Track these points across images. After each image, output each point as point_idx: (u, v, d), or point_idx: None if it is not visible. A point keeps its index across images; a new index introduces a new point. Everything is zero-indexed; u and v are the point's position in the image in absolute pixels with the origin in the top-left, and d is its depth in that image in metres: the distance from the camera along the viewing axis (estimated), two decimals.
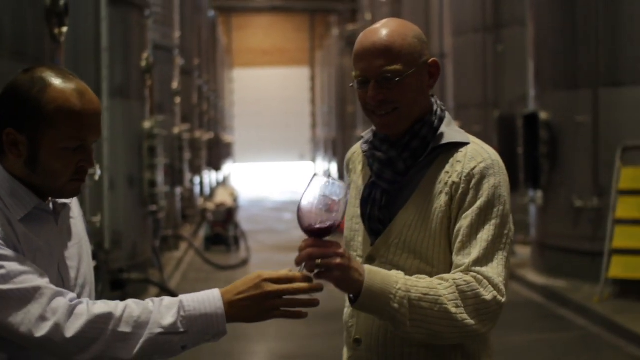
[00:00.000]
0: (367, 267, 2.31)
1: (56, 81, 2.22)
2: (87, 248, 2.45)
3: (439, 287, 2.32)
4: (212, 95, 27.91)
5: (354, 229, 2.59)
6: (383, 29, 2.46)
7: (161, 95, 13.42)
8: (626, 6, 9.85)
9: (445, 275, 2.35)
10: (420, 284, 2.32)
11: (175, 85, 14.54)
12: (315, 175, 2.30)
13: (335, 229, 2.26)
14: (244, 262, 13.80)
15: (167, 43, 14.02)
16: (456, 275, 2.34)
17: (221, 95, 35.48)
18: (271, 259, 14.59)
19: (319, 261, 2.23)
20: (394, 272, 2.33)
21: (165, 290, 9.95)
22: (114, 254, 8.89)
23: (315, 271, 2.23)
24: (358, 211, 2.57)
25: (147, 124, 10.02)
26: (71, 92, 2.22)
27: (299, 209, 2.26)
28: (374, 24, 2.51)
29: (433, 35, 17.22)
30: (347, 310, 2.60)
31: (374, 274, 2.30)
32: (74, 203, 2.44)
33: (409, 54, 2.43)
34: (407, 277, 2.33)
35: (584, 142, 10.21)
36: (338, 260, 2.24)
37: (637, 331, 8.05)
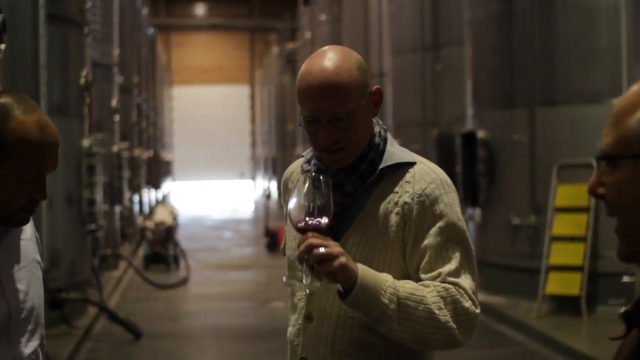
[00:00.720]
0: (358, 264, 2.33)
1: (18, 111, 2.21)
2: (37, 272, 2.41)
3: (423, 289, 2.35)
4: (151, 113, 27.76)
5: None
6: (328, 64, 2.41)
7: (100, 113, 13.32)
8: (561, 27, 10.04)
9: (426, 282, 2.39)
10: (406, 284, 2.36)
11: (114, 102, 14.44)
12: (302, 174, 2.35)
13: (327, 225, 2.30)
14: (184, 281, 13.72)
15: (106, 60, 13.93)
16: (435, 282, 2.38)
17: (160, 113, 35.30)
18: (212, 278, 14.53)
19: (321, 250, 2.24)
20: (381, 273, 2.36)
21: (104, 310, 9.87)
22: (52, 273, 8.80)
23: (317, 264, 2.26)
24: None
25: (86, 142, 9.95)
26: (32, 124, 2.21)
27: (289, 210, 2.32)
28: (316, 55, 2.46)
29: (372, 54, 17.36)
30: (292, 329, 2.59)
31: (366, 270, 2.32)
32: (28, 225, 2.40)
33: (357, 90, 2.42)
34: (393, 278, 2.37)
35: (521, 160, 10.35)
36: (339, 249, 2.27)
37: (574, 346, 8.18)
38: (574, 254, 9.54)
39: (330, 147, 2.43)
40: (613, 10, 9.76)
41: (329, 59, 2.43)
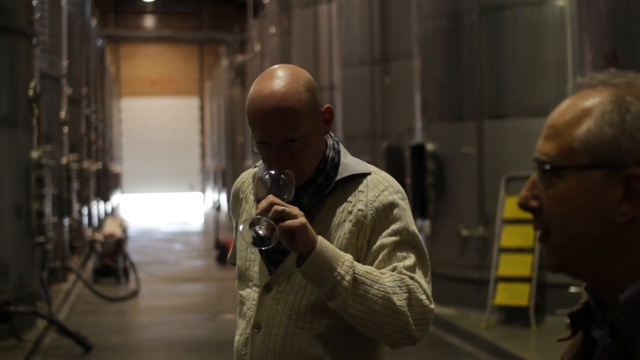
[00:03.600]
0: (318, 235, 2.34)
1: None
2: None
3: (380, 273, 2.37)
4: (100, 125, 27.57)
5: (249, 259, 2.59)
6: (276, 88, 2.40)
7: (49, 125, 13.21)
8: (508, 42, 10.19)
9: (383, 270, 2.40)
10: (364, 266, 2.38)
11: (63, 114, 14.33)
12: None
13: (285, 193, 2.35)
14: (134, 294, 13.63)
15: (54, 72, 13.83)
16: (391, 272, 2.39)
17: (109, 125, 35.05)
18: (161, 290, 14.46)
19: (281, 208, 2.27)
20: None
21: (54, 323, 9.78)
22: (0, 286, 8.70)
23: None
24: None
25: (34, 154, 9.86)
26: None
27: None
28: (264, 77, 2.45)
29: (322, 67, 17.43)
30: (240, 338, 2.58)
31: (326, 241, 2.34)
32: None
33: (307, 114, 2.42)
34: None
35: (470, 172, 10.46)
36: (300, 212, 2.30)
37: (523, 356, 8.27)
38: (522, 265, 9.65)
39: (285, 168, 2.43)
40: (559, 25, 9.93)
41: (277, 82, 2.42)
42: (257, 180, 2.39)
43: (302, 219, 2.28)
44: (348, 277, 2.30)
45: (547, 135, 1.46)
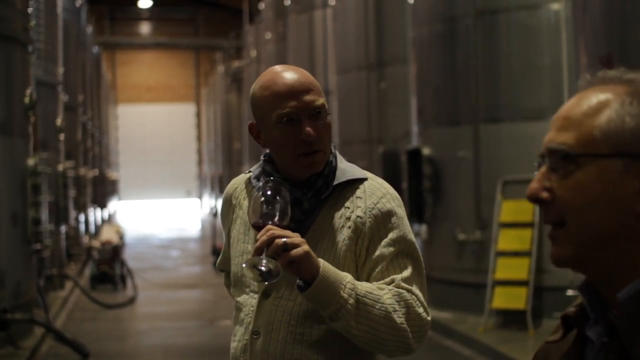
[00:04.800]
0: (319, 258, 2.34)
1: None
2: None
3: (380, 291, 2.38)
4: (96, 132, 27.56)
5: None
6: (292, 71, 2.51)
7: (45, 132, 13.21)
8: (503, 46, 10.20)
9: (381, 285, 2.41)
10: (364, 284, 2.39)
11: (59, 121, 14.33)
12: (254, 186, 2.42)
13: (285, 226, 2.32)
14: (131, 301, 13.62)
15: (50, 79, 13.83)
16: (389, 287, 2.41)
17: (106, 132, 35.04)
18: (159, 297, 14.45)
19: (282, 240, 2.25)
20: (341, 271, 2.38)
21: (51, 331, 9.77)
22: None
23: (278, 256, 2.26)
24: (249, 247, 2.57)
25: (30, 161, 9.86)
26: None
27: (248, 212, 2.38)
28: (272, 70, 2.53)
29: (318, 72, 17.44)
30: (237, 344, 2.57)
31: (327, 264, 2.34)
32: None
33: (323, 92, 2.53)
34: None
35: (466, 176, 10.47)
36: (302, 239, 2.30)
37: None
38: (519, 268, 9.65)
39: (315, 144, 2.46)
40: (554, 29, 9.95)
41: (289, 68, 2.53)
42: (253, 202, 2.37)
43: (305, 247, 2.28)
44: (351, 300, 2.32)
45: (561, 125, 1.46)
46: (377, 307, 2.35)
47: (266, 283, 2.40)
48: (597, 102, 1.44)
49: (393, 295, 2.38)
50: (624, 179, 1.39)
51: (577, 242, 1.43)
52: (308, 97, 2.45)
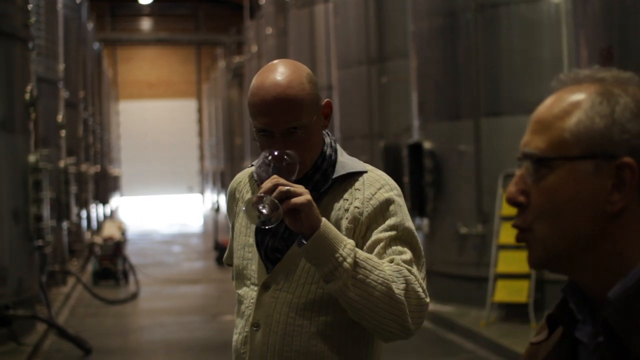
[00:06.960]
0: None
1: None
2: None
3: (380, 260, 2.37)
4: (98, 128, 27.57)
5: (247, 258, 2.59)
6: (280, 78, 2.44)
7: (46, 129, 13.22)
8: (504, 39, 10.20)
9: (381, 260, 2.40)
10: (365, 252, 2.38)
11: (60, 118, 14.34)
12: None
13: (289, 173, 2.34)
14: (134, 296, 13.64)
15: (51, 75, 13.83)
16: (389, 263, 2.39)
17: (107, 128, 35.04)
18: (161, 292, 14.46)
19: (286, 187, 2.26)
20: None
21: (53, 326, 9.78)
22: None
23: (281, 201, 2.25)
24: (250, 240, 2.58)
25: (32, 158, 9.86)
26: None
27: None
28: (267, 69, 2.49)
29: (319, 67, 17.42)
30: (238, 337, 2.58)
31: (328, 222, 2.34)
32: None
33: (310, 103, 2.46)
34: None
35: (467, 170, 10.47)
36: (306, 190, 2.30)
37: (522, 353, 8.27)
38: (521, 261, 9.64)
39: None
40: (554, 22, 9.94)
41: (281, 73, 2.46)
42: (261, 162, 2.38)
43: (307, 196, 2.28)
44: (349, 260, 2.30)
45: (534, 129, 1.47)
46: (375, 272, 2.32)
47: (266, 227, 2.37)
48: (568, 103, 1.44)
49: (393, 270, 2.36)
50: (596, 180, 1.39)
51: (548, 245, 1.44)
52: (282, 117, 2.42)
